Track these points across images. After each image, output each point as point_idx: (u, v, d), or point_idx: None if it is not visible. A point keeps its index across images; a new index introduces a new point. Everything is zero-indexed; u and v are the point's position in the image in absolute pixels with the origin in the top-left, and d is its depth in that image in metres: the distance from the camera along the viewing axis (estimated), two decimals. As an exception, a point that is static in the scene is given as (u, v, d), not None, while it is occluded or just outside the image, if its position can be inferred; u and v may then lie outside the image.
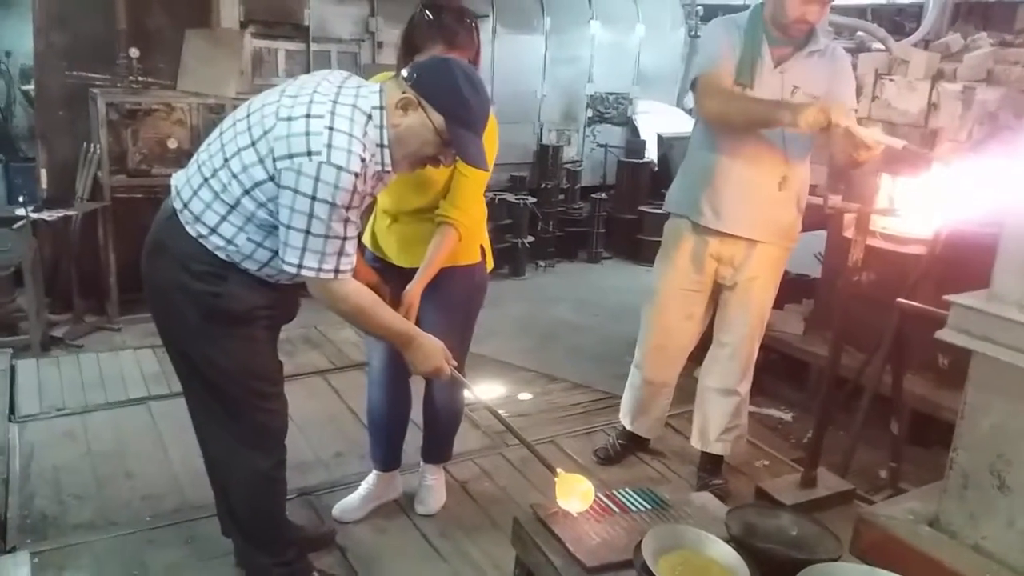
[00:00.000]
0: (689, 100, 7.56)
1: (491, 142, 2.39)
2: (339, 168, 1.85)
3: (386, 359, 2.77)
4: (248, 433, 2.21)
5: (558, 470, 2.04)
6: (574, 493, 1.90)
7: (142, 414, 3.58)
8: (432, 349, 2.15)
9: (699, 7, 7.05)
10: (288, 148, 1.86)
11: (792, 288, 5.15)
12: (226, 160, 1.98)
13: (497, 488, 3.17)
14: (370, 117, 1.95)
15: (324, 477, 3.14)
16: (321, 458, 3.27)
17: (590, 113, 6.88)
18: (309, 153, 1.84)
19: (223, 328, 2.09)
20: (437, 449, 3.00)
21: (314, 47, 5.72)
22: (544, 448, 3.41)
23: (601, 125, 6.94)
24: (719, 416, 3.13)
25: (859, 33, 5.61)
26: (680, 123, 7.02)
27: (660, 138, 6.77)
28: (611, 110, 6.89)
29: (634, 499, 1.92)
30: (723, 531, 1.75)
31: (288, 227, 1.90)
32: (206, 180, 2.02)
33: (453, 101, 1.96)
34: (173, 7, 5.09)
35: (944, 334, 1.73)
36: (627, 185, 6.86)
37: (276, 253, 2.01)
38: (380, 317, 2.09)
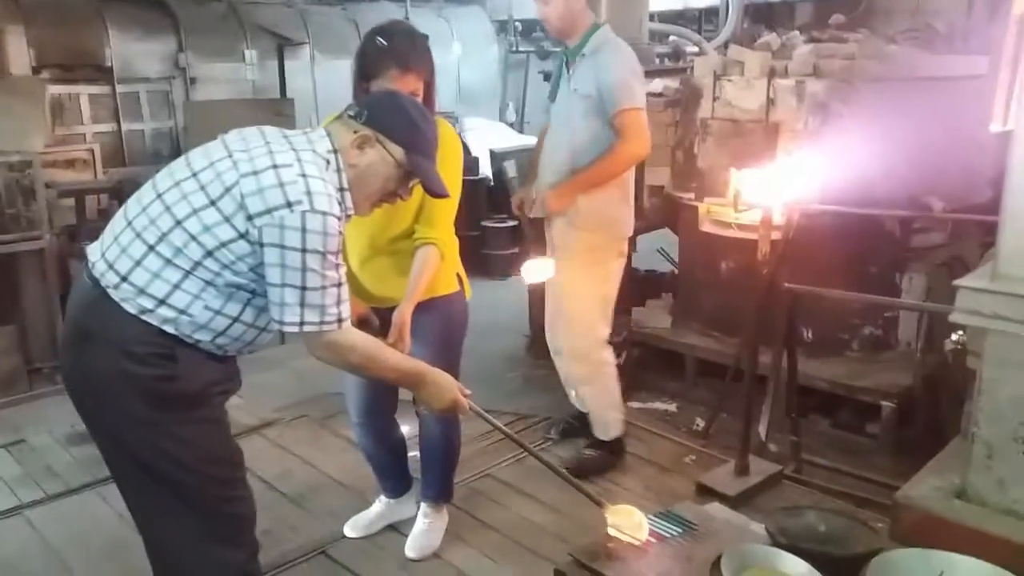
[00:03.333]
0: (511, 114, 7.72)
1: (456, 164, 2.43)
2: (324, 214, 1.76)
3: (363, 405, 2.80)
4: (217, 527, 1.99)
5: (607, 504, 1.99)
6: (629, 525, 1.87)
7: (21, 528, 3.10)
8: (446, 383, 2.08)
9: (517, 23, 7.20)
10: (264, 203, 1.74)
11: (647, 284, 5.40)
12: (178, 222, 1.79)
13: (478, 523, 3.07)
14: (328, 162, 1.88)
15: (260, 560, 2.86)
16: (248, 539, 2.99)
17: (419, 134, 6.81)
18: (289, 204, 1.74)
19: (177, 414, 1.87)
20: (433, 486, 2.91)
21: (120, 88, 5.26)
22: (482, 482, 3.34)
23: (431, 145, 6.90)
24: (563, 375, 3.59)
25: (672, 38, 6.00)
26: (507, 137, 7.15)
27: (492, 153, 6.85)
28: (439, 129, 6.88)
29: (664, 525, 1.92)
30: (757, 539, 1.80)
31: (282, 286, 1.77)
32: (151, 247, 1.81)
33: (410, 131, 1.95)
34: (-50, 57, 4.48)
35: (956, 317, 1.88)
36: (466, 202, 6.83)
37: (235, 319, 1.87)
38: (389, 360, 2.01)
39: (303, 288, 1.77)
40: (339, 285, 1.84)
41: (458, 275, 2.70)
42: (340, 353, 1.91)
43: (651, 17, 5.24)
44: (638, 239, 5.09)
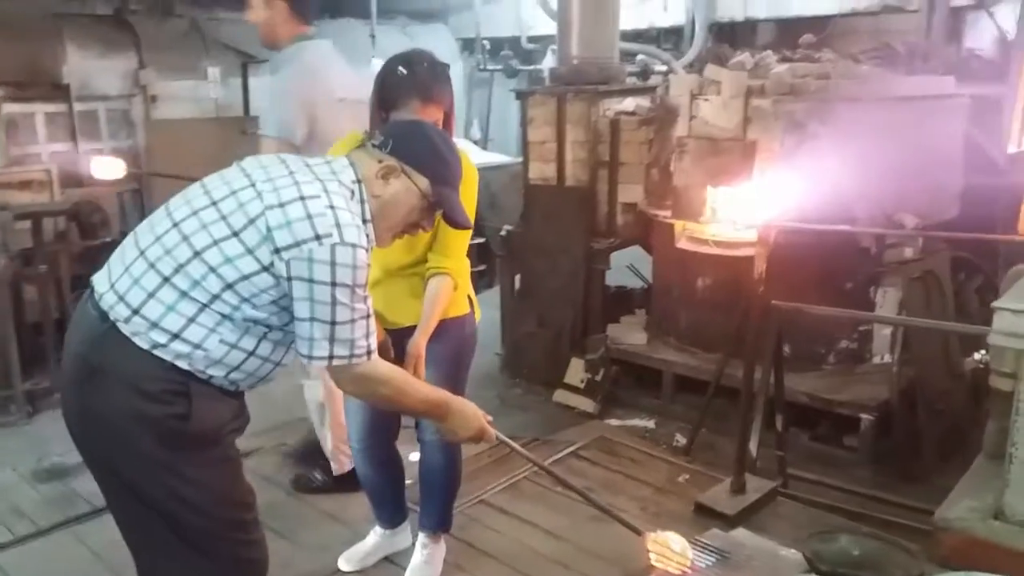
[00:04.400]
0: (476, 131, 7.68)
1: (472, 192, 2.37)
2: (354, 246, 1.72)
3: (365, 429, 2.71)
4: (229, 572, 1.91)
5: (646, 533, 1.94)
6: (672, 552, 1.82)
7: (-12, 572, 2.93)
8: (471, 412, 2.05)
9: (485, 41, 7.17)
10: (293, 236, 1.69)
11: (619, 300, 5.39)
12: (196, 253, 1.72)
13: (476, 552, 2.98)
14: (353, 192, 1.83)
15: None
16: None
17: (383, 152, 6.75)
18: (318, 237, 1.69)
19: (191, 454, 1.79)
20: (434, 515, 2.82)
21: (78, 107, 5.08)
22: (476, 509, 3.27)
23: (395, 163, 6.85)
24: None
25: (640, 57, 6.04)
26: (472, 154, 7.13)
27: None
28: (403, 147, 6.82)
29: (697, 555, 1.89)
30: (791, 565, 1.77)
31: (311, 320, 1.72)
32: (167, 279, 1.73)
33: (436, 162, 1.92)
34: None
35: (994, 339, 1.89)
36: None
37: (251, 354, 1.80)
38: (419, 391, 1.98)
39: (333, 323, 1.73)
40: (367, 317, 1.80)
41: (469, 297, 2.65)
42: (370, 386, 1.86)
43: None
44: (611, 256, 5.10)
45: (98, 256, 5.23)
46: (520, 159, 5.73)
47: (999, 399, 2.02)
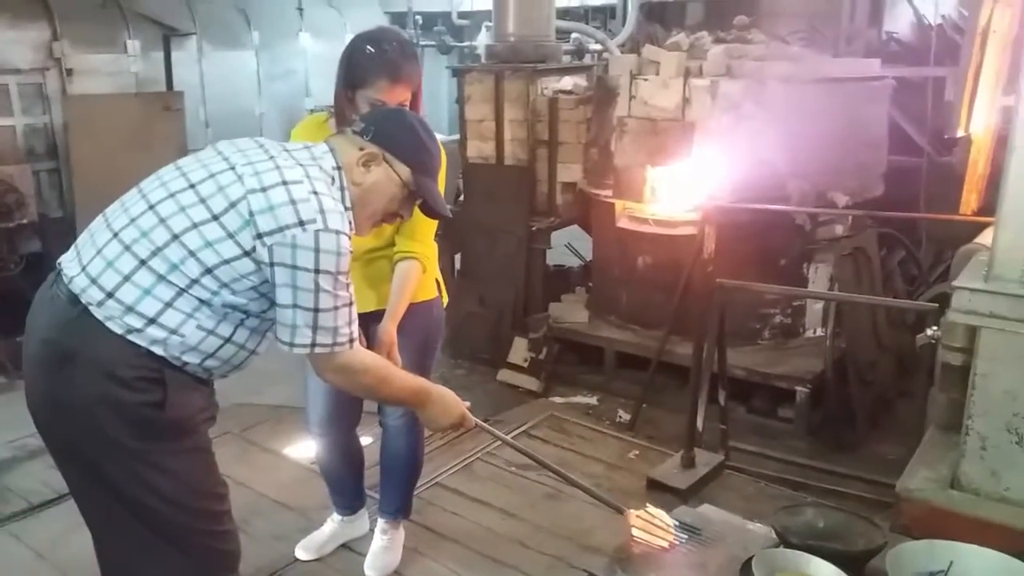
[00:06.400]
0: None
1: (443, 177, 2.29)
2: (338, 233, 1.68)
3: (326, 416, 2.65)
4: (202, 564, 1.85)
5: (628, 510, 1.97)
6: (653, 528, 1.86)
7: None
8: (452, 400, 2.01)
9: (417, 16, 7.05)
10: (276, 221, 1.64)
11: (558, 279, 5.43)
12: (175, 236, 1.66)
13: (434, 535, 2.97)
14: (333, 179, 1.78)
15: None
16: None
17: (313, 129, 6.61)
18: (302, 223, 1.65)
19: (165, 443, 1.73)
20: (394, 501, 2.79)
21: (-14, 81, 4.77)
22: (431, 492, 3.26)
23: (326, 140, 6.72)
24: None
25: (575, 36, 6.03)
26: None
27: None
28: (334, 124, 6.69)
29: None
30: (760, 539, 1.84)
31: (293, 307, 1.68)
32: (143, 262, 1.66)
33: (418, 152, 1.89)
34: None
35: (953, 316, 1.98)
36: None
37: (227, 340, 1.76)
38: (399, 380, 1.94)
39: (316, 310, 1.69)
40: (350, 305, 1.76)
41: (437, 281, 2.62)
42: (351, 375, 1.83)
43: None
44: (551, 235, 5.13)
45: (14, 239, 4.99)
46: (454, 136, 5.68)
47: (949, 373, 2.14)
